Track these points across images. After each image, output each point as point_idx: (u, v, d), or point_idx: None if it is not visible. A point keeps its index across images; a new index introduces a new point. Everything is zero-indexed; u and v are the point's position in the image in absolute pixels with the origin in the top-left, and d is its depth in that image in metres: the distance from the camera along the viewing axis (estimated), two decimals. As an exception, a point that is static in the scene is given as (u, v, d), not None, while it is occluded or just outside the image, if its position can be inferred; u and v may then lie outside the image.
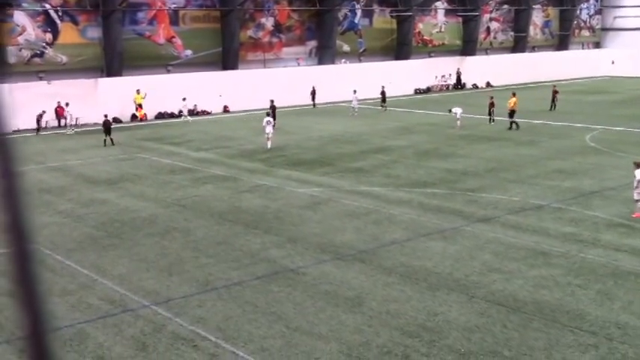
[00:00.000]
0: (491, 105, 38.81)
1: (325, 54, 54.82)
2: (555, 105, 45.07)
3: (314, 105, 49.19)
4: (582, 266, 15.43)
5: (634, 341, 11.68)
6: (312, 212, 20.63)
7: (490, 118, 38.83)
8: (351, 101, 45.71)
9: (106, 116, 35.02)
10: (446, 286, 14.38)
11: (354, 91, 45.60)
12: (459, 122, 37.21)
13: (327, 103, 50.76)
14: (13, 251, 1.81)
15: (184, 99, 43.03)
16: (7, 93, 1.50)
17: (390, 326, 12.46)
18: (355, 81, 50.18)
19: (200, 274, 15.42)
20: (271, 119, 32.62)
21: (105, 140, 33.60)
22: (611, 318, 12.65)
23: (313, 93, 49.47)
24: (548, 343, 11.66)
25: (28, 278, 1.79)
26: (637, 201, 19.26)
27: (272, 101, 40.49)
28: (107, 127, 34.00)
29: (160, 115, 44.85)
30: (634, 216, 19.22)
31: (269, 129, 31.63)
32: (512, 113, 36.79)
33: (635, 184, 19.32)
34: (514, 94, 37.93)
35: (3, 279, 15.17)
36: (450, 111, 38.46)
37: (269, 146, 31.52)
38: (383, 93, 47.04)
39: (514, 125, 36.62)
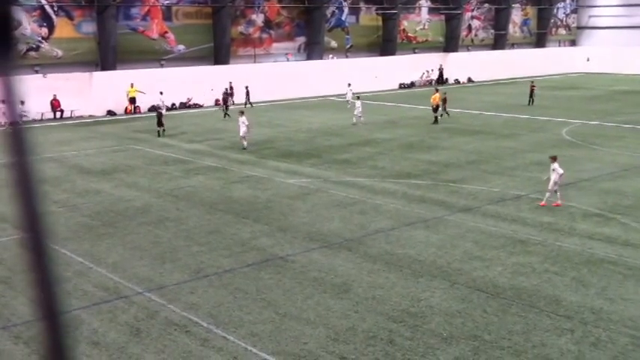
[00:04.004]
0: (444, 101, 38.82)
1: (314, 50, 55.15)
2: (533, 100, 45.70)
3: (249, 104, 45.17)
4: (558, 254, 15.74)
5: (607, 325, 11.96)
6: (301, 202, 20.83)
7: (443, 113, 38.84)
8: (345, 94, 46.12)
9: (159, 108, 36.63)
10: (429, 273, 14.63)
11: (349, 85, 46.00)
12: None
13: (315, 97, 51.07)
14: (27, 240, 1.78)
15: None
16: (19, 84, 1.69)
17: (375, 312, 12.65)
18: (343, 76, 50.65)
19: (192, 261, 15.55)
20: (245, 119, 29.66)
21: (158, 131, 34.03)
22: (585, 303, 12.92)
23: (232, 93, 45.86)
24: (526, 327, 11.90)
25: (42, 267, 1.77)
26: (555, 191, 19.81)
27: (226, 89, 40.12)
28: (158, 118, 34.35)
29: (153, 108, 44.90)
30: (554, 205, 19.71)
31: (244, 129, 29.51)
32: (436, 108, 37.63)
33: (551, 175, 19.81)
34: (437, 90, 39.21)
35: (-1, 267, 15.45)
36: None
37: (245, 145, 29.99)
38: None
39: (436, 119, 37.35)
